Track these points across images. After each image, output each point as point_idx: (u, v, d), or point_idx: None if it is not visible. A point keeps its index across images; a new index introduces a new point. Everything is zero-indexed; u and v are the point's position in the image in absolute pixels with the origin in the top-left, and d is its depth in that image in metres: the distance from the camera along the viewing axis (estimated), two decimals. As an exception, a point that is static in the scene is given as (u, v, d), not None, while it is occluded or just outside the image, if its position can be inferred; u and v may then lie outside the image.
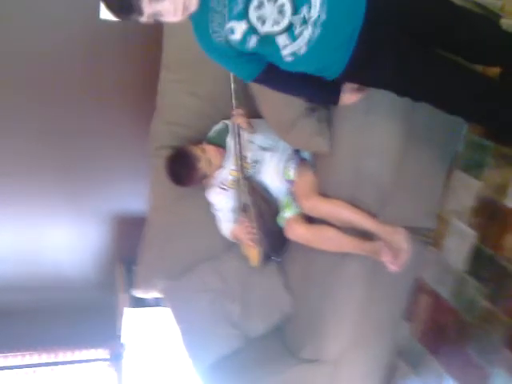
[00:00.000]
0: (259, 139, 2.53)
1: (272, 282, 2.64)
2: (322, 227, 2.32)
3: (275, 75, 1.82)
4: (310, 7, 1.54)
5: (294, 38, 1.60)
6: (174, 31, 2.51)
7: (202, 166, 2.49)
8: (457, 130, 2.26)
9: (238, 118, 2.42)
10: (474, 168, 2.23)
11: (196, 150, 2.50)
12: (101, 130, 3.24)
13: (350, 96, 1.93)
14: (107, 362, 3.50)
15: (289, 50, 1.63)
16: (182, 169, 2.52)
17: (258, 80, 1.85)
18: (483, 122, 1.96)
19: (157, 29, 2.53)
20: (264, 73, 1.80)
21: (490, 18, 1.90)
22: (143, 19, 1.53)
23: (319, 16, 1.55)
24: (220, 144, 2.58)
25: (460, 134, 2.27)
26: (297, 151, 2.52)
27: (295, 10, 1.54)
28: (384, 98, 2.04)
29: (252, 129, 2.48)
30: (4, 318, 3.38)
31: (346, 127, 2.19)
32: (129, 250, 3.28)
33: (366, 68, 1.71)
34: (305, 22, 1.56)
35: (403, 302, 2.57)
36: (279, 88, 1.96)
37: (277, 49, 1.63)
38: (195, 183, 2.58)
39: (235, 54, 1.70)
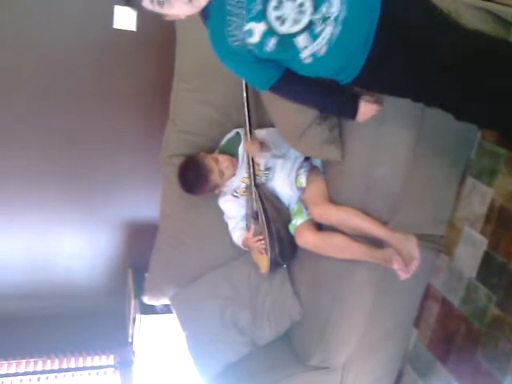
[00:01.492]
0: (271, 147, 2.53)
1: (281, 289, 2.64)
2: (331, 234, 2.32)
3: (292, 83, 1.81)
4: (330, 5, 1.54)
5: (314, 37, 1.59)
6: (186, 40, 2.53)
7: (215, 177, 2.47)
8: (469, 137, 2.27)
9: (250, 149, 2.41)
10: (486, 175, 2.24)
11: (209, 161, 2.47)
12: (113, 138, 3.28)
13: (367, 108, 1.92)
14: (117, 369, 3.50)
15: (309, 50, 1.62)
16: (194, 178, 2.50)
17: (275, 88, 1.83)
18: (495, 126, 1.92)
19: (170, 37, 2.57)
20: (281, 80, 1.78)
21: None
22: (146, 4, 1.49)
23: (339, 13, 1.55)
24: (232, 153, 2.57)
25: (473, 142, 2.28)
26: (308, 158, 2.52)
27: (315, 9, 1.54)
28: (395, 106, 2.05)
29: (267, 148, 2.44)
30: (15, 325, 3.40)
31: (357, 135, 2.20)
32: (140, 256, 3.30)
33: (379, 70, 1.71)
34: (325, 20, 1.55)
35: (413, 309, 2.58)
36: (295, 97, 1.95)
37: (296, 51, 1.62)
38: (206, 193, 2.57)
39: (252, 60, 1.69)
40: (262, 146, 2.40)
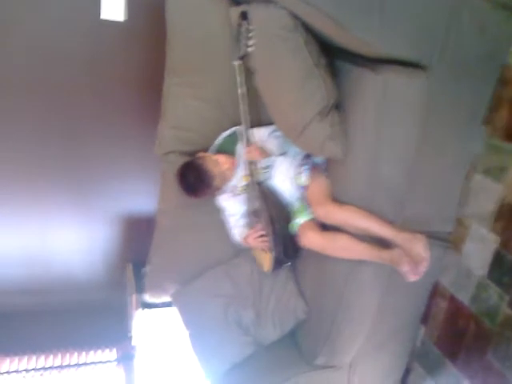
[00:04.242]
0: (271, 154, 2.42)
1: (285, 287, 2.58)
2: (336, 234, 2.23)
3: None
4: None
5: None
6: (178, 31, 2.37)
7: (217, 182, 2.37)
8: (475, 132, 2.18)
9: (251, 155, 2.32)
10: (494, 172, 2.15)
11: (211, 165, 2.35)
12: (108, 131, 3.16)
13: None
14: (120, 363, 3.46)
15: None
16: (197, 185, 2.38)
17: None
18: None
19: (160, 28, 2.42)
20: None
21: None
22: None
23: None
24: (230, 151, 2.46)
25: (479, 137, 2.18)
26: (309, 156, 2.41)
27: None
28: (399, 102, 1.96)
29: (266, 154, 2.37)
30: (15, 321, 3.37)
31: (359, 131, 2.09)
32: (139, 250, 3.23)
33: None
34: None
35: (421, 307, 2.52)
36: None
37: None
38: (208, 196, 2.49)
39: None
40: (262, 153, 2.31)
